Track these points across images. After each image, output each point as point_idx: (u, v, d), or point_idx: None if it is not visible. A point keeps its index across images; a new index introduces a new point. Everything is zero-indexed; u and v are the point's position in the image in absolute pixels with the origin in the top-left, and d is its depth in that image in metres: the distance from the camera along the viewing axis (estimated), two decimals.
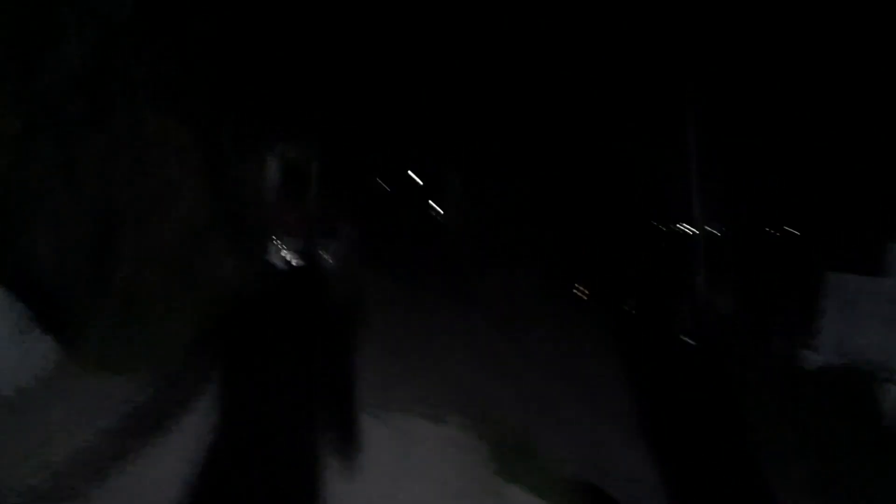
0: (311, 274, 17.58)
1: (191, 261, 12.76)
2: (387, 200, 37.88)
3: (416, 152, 34.73)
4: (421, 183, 38.34)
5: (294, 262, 17.60)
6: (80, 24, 10.19)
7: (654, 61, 21.15)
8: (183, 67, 13.31)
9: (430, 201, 38.14)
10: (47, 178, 9.22)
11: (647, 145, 22.94)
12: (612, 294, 21.30)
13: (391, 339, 12.75)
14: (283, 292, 16.02)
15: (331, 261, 18.18)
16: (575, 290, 22.22)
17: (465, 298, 18.09)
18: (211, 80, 14.30)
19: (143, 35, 12.20)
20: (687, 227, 27.37)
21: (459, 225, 31.25)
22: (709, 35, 18.87)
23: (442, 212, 35.53)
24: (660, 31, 20.52)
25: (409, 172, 37.69)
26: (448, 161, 34.74)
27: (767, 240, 22.46)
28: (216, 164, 14.57)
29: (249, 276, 14.65)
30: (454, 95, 27.67)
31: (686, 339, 15.53)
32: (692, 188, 17.86)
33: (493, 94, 26.97)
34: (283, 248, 17.60)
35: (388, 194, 38.26)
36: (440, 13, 23.31)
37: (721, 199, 19.98)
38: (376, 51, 23.89)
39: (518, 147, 28.03)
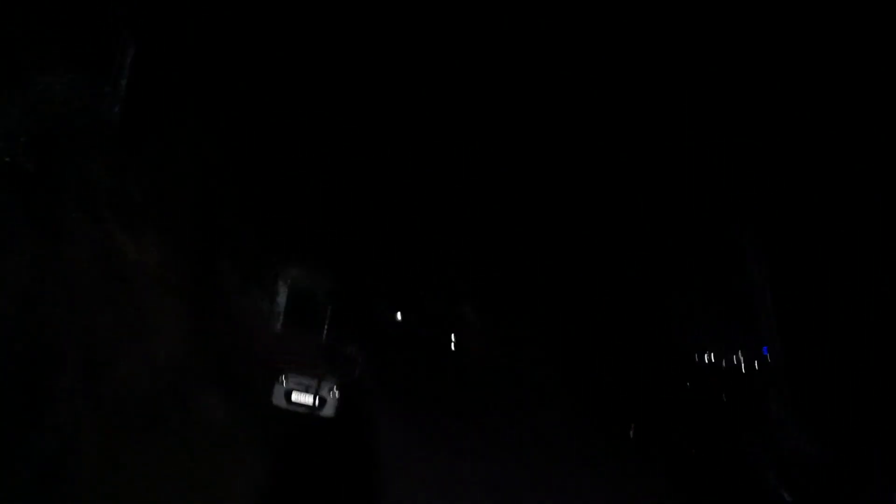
0: (321, 418, 14.80)
1: (172, 406, 10.16)
2: (402, 332, 35.87)
3: (433, 282, 33.21)
4: (436, 313, 36.45)
5: (302, 404, 14.87)
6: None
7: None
8: (172, 178, 11.34)
9: (447, 333, 36.15)
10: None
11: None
12: (665, 433, 18.24)
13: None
14: (287, 442, 13.15)
15: (342, 400, 15.35)
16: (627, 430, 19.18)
17: (489, 445, 15.38)
18: (205, 195, 12.23)
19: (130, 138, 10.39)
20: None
21: (479, 360, 29.08)
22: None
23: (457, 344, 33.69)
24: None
25: (424, 301, 35.79)
26: (466, 293, 33.35)
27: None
28: (208, 293, 12.21)
29: (247, 422, 11.99)
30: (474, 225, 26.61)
31: (783, 493, 12.40)
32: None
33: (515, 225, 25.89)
34: (291, 387, 14.91)
35: (404, 326, 36.25)
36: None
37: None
38: (394, 173, 22.59)
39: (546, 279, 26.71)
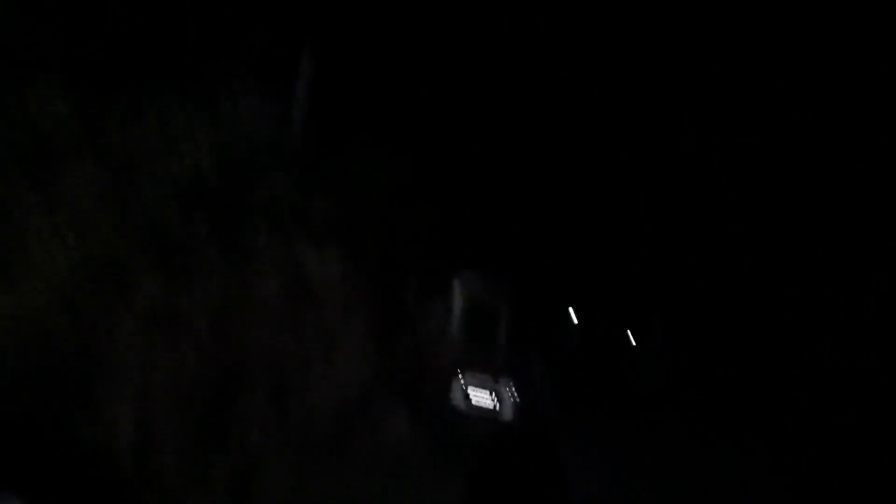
0: (501, 422, 14.46)
1: (360, 425, 10.26)
2: (586, 339, 34.92)
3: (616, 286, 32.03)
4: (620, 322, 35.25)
5: (481, 406, 14.65)
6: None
7: None
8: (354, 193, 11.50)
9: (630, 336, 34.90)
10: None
11: None
12: None
13: None
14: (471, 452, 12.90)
15: (520, 402, 14.93)
16: None
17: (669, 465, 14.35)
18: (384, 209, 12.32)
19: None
20: None
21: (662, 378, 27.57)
22: None
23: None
24: None
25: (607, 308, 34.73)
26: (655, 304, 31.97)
27: None
28: (390, 308, 12.26)
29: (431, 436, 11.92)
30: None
31: None
32: None
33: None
34: (470, 384, 14.73)
35: (586, 332, 35.30)
36: None
37: None
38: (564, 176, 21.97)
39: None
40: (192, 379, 7.24)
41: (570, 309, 34.96)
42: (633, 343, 33.42)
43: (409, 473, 9.83)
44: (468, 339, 16.19)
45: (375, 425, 10.46)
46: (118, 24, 9.82)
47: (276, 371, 8.49)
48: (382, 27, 13.34)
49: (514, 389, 14.62)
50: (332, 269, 10.04)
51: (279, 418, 8.25)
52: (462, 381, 14.61)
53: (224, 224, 8.84)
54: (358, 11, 12.92)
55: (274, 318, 8.99)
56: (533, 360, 17.24)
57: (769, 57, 17.63)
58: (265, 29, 11.29)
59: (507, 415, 14.35)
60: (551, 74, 18.69)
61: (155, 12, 10.19)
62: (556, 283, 27.43)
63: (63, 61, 8.91)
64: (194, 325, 7.53)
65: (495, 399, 14.45)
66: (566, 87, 19.35)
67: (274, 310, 9.05)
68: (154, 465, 6.78)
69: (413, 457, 10.46)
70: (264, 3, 11.71)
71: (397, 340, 12.34)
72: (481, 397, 14.58)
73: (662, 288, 29.60)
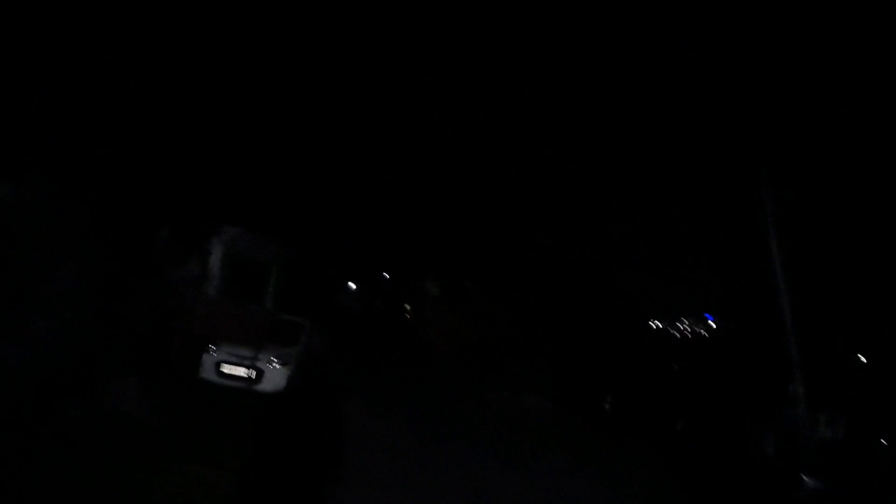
0: (260, 393, 12.49)
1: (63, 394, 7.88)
2: (359, 305, 33.91)
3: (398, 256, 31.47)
4: (396, 286, 34.65)
5: (235, 376, 12.57)
6: None
7: None
8: None
9: (404, 305, 34.44)
10: None
11: None
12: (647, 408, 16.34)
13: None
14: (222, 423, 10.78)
15: (286, 377, 13.01)
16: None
17: (454, 423, 13.46)
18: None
19: None
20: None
21: (442, 337, 27.43)
22: None
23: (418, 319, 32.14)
24: None
25: (385, 274, 33.95)
26: (429, 267, 31.90)
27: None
28: (123, 249, 9.87)
29: (164, 400, 9.73)
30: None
31: (805, 477, 10.38)
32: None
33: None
34: (223, 358, 12.57)
35: (361, 298, 34.24)
36: None
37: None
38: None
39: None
40: None
41: (350, 282, 33.98)
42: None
43: (143, 457, 7.68)
44: (228, 303, 14.06)
45: (92, 399, 8.18)
46: None
47: None
48: None
49: (278, 358, 12.80)
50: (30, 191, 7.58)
51: None
52: (214, 353, 12.53)
53: None
54: None
55: None
56: (304, 326, 15.46)
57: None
58: None
59: (268, 386, 12.49)
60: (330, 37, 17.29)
61: None
62: (341, 250, 26.16)
63: None
64: None
65: (252, 371, 12.54)
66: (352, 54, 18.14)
67: None
68: None
69: (147, 437, 8.31)
70: None
71: (132, 296, 10.01)
72: (236, 369, 12.59)
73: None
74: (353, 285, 33.79)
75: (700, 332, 26.41)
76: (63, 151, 9.65)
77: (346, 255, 27.50)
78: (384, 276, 34.61)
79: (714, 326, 25.41)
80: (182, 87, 13.97)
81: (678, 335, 26.65)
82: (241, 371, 12.51)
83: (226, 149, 15.92)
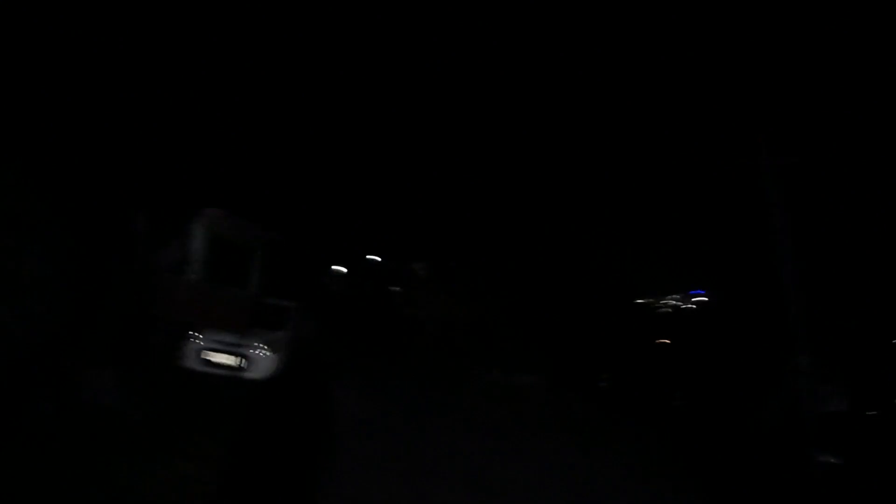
0: (248, 381, 11.93)
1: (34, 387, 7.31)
2: (346, 289, 33.36)
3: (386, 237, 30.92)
4: (384, 269, 34.09)
5: (221, 364, 12.01)
6: None
7: None
8: None
9: (393, 288, 33.96)
10: None
11: None
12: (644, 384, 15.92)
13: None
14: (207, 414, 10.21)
15: (274, 364, 12.44)
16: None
17: (449, 406, 13.01)
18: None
19: None
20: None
21: (433, 319, 27.06)
22: None
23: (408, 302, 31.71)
24: None
25: (372, 257, 33.31)
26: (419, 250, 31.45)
27: None
28: (97, 234, 9.28)
29: (145, 392, 9.18)
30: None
31: (822, 454, 9.92)
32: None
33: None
34: (207, 346, 12.01)
35: (348, 282, 33.70)
36: None
37: None
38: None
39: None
40: None
41: (336, 265, 33.41)
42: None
43: (123, 454, 7.15)
44: (211, 287, 13.48)
45: (66, 392, 7.61)
46: None
47: None
48: None
49: (265, 344, 12.25)
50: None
51: None
52: (198, 340, 11.96)
53: None
54: None
55: None
56: (291, 310, 14.88)
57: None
58: None
59: (256, 371, 11.94)
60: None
61: None
62: (326, 233, 25.62)
63: None
64: None
65: (238, 358, 11.99)
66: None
67: None
68: None
69: (127, 432, 7.76)
70: None
71: (108, 282, 9.42)
72: (221, 356, 12.03)
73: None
74: (339, 268, 33.16)
75: (690, 308, 26.17)
76: (30, 131, 9.04)
77: (331, 238, 26.91)
78: (371, 259, 33.99)
79: (703, 301, 25.15)
80: (161, 66, 13.35)
81: (669, 311, 26.39)
82: (226, 359, 11.95)
83: (207, 129, 15.31)
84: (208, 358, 11.87)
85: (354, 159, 22.89)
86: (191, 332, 12.06)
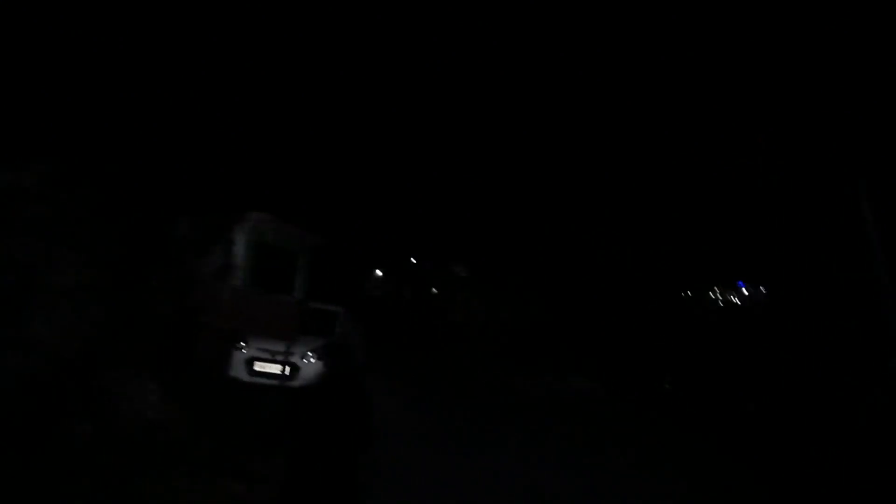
0: (296, 389, 11.26)
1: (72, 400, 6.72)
2: (387, 293, 32.79)
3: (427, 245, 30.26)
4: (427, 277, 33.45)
5: (268, 373, 11.41)
6: None
7: None
8: None
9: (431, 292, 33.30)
10: None
11: None
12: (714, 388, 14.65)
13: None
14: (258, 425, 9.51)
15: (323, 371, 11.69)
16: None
17: (501, 414, 12.21)
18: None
19: None
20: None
21: (474, 323, 26.37)
22: None
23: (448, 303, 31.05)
24: None
25: (412, 260, 32.71)
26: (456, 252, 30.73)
27: None
28: (138, 238, 8.72)
29: (190, 405, 8.57)
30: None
31: None
32: None
33: None
34: (254, 355, 11.39)
35: (389, 286, 33.15)
36: None
37: None
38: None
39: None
40: None
41: (376, 270, 32.92)
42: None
43: (167, 472, 6.54)
44: (257, 294, 12.95)
45: (106, 408, 7.01)
46: None
47: None
48: None
49: (312, 351, 11.65)
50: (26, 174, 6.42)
51: None
52: (244, 349, 11.39)
53: None
54: None
55: None
56: (337, 315, 14.28)
57: None
58: None
59: (304, 379, 11.29)
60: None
61: None
62: (367, 236, 25.09)
63: None
64: None
65: (286, 366, 11.36)
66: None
67: None
68: None
69: (172, 448, 7.14)
70: None
71: (149, 289, 8.84)
72: (269, 366, 11.42)
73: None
74: (379, 273, 32.61)
75: (733, 301, 24.70)
76: (67, 129, 8.53)
77: (371, 242, 26.34)
78: (411, 262, 33.36)
79: (746, 294, 23.73)
80: (203, 68, 12.85)
81: (720, 303, 24.94)
82: (274, 368, 11.36)
83: (249, 133, 14.78)
84: (256, 368, 11.31)
85: (392, 162, 22.26)
86: (236, 341, 11.51)
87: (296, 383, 11.14)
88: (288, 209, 15.05)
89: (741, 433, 12.25)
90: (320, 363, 11.54)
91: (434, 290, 33.43)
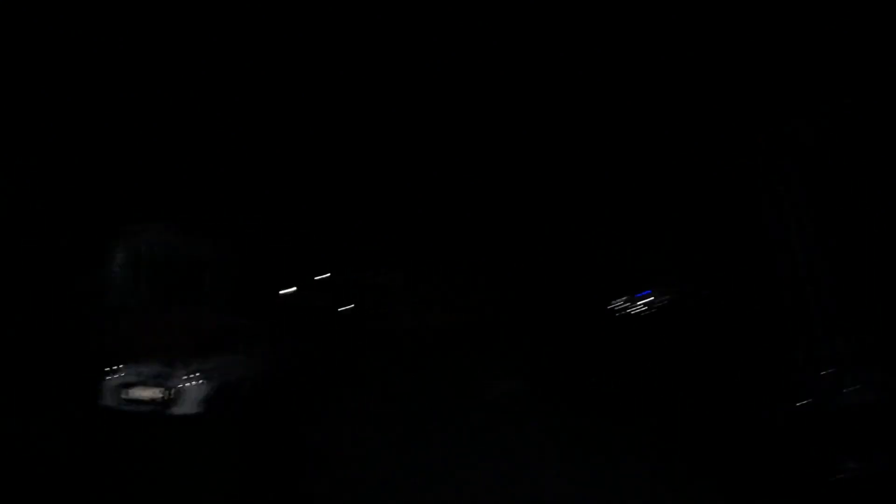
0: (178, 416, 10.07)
1: None
2: (303, 306, 31.66)
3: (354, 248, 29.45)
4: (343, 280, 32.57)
5: (142, 400, 10.05)
6: None
7: None
8: None
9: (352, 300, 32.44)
10: None
11: None
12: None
13: None
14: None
15: (210, 394, 10.46)
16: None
17: (427, 422, 11.56)
18: None
19: None
20: None
21: (405, 328, 25.79)
22: None
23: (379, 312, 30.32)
24: None
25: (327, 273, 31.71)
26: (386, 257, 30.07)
27: None
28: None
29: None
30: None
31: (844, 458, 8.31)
32: None
33: None
34: (128, 380, 9.99)
35: (305, 299, 32.00)
36: None
37: None
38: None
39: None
40: None
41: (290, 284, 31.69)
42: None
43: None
44: (145, 311, 11.82)
45: None
46: None
47: None
48: None
49: (198, 378, 10.15)
50: None
51: None
52: (117, 374, 10.03)
53: None
54: None
55: None
56: (241, 330, 12.96)
57: None
58: None
59: (188, 408, 10.11)
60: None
61: None
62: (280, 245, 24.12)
63: None
64: None
65: (166, 391, 10.10)
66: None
67: None
68: None
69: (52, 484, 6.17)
70: None
71: (16, 318, 7.80)
72: (144, 391, 10.15)
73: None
74: (290, 288, 31.45)
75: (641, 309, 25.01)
76: None
77: (284, 252, 25.26)
78: (329, 273, 32.35)
79: (651, 300, 24.00)
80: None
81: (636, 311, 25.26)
82: (149, 392, 10.10)
83: (145, 131, 13.70)
84: (128, 394, 10.06)
85: (311, 162, 21.35)
86: (111, 366, 10.27)
87: (177, 410, 9.98)
88: (190, 216, 13.95)
89: (664, 425, 12.13)
90: (210, 385, 10.46)
91: (358, 299, 32.56)
